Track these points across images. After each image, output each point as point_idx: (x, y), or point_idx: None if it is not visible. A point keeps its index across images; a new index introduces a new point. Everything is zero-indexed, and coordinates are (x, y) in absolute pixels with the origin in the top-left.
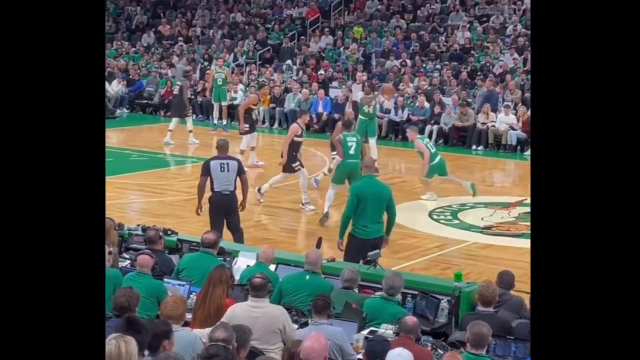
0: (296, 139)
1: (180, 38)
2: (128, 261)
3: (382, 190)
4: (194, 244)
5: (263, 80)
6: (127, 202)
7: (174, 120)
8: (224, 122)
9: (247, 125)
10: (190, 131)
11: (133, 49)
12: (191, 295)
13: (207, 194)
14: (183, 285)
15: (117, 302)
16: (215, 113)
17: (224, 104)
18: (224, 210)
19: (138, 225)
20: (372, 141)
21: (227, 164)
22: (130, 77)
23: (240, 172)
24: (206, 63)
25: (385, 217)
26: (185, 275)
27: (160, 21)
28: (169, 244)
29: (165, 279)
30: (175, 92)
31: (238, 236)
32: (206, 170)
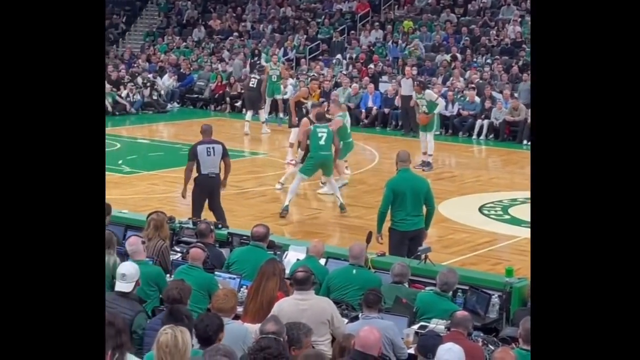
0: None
1: (235, 33)
2: (179, 254)
3: (419, 184)
4: (244, 237)
5: (313, 74)
6: (178, 195)
7: (249, 112)
8: (281, 115)
9: (297, 119)
10: (264, 122)
11: (184, 43)
12: (242, 289)
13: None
14: (234, 279)
15: (168, 294)
16: (267, 108)
17: (278, 97)
18: (209, 192)
19: (189, 218)
20: (427, 136)
21: (213, 147)
22: (181, 71)
23: (224, 155)
24: (255, 58)
25: (424, 210)
26: (235, 268)
27: (211, 16)
28: (219, 237)
29: (216, 272)
30: (252, 85)
31: (219, 214)
32: (194, 155)
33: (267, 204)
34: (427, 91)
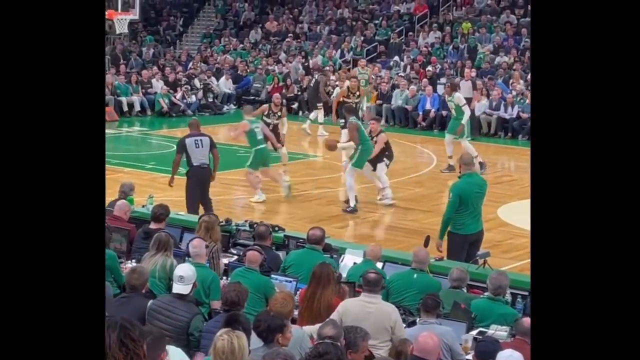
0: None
1: (290, 34)
2: (235, 257)
3: (483, 187)
4: (300, 240)
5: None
6: (234, 197)
7: (314, 111)
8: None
9: (342, 120)
10: (321, 124)
11: (241, 45)
12: (298, 292)
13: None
14: (290, 282)
15: (226, 297)
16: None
17: (368, 104)
18: (202, 183)
19: (245, 221)
20: (462, 142)
21: (201, 140)
22: (238, 73)
23: (212, 146)
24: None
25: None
26: (292, 271)
27: (268, 17)
28: (276, 240)
29: (272, 275)
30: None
31: (207, 205)
32: (182, 148)
33: (324, 207)
34: (457, 94)
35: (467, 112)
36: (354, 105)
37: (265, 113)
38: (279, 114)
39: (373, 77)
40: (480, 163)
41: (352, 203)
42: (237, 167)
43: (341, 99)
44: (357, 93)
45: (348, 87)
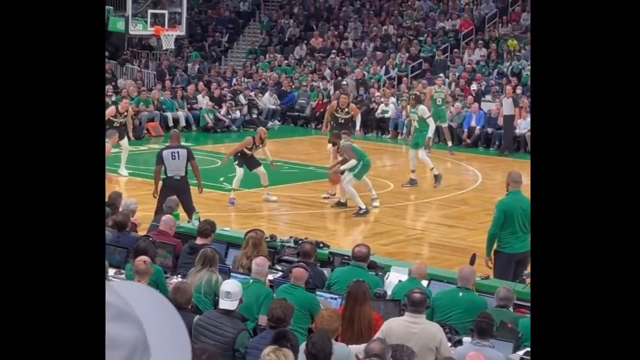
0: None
1: (333, 51)
2: (280, 273)
3: (528, 206)
4: (345, 257)
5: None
6: (279, 214)
7: None
8: (449, 144)
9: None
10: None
11: (285, 61)
12: None
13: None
14: (335, 299)
15: (273, 313)
16: (429, 133)
17: (444, 125)
18: (176, 193)
19: (290, 237)
20: (418, 153)
21: (178, 152)
22: (282, 89)
23: (190, 158)
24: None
25: None
26: (336, 288)
27: (313, 34)
28: (320, 256)
29: (317, 292)
30: None
31: (188, 209)
32: (159, 159)
33: (369, 224)
34: (421, 107)
35: (431, 125)
36: (342, 121)
37: (249, 146)
38: (260, 146)
39: (450, 96)
40: (435, 176)
41: (362, 206)
42: (281, 184)
43: (331, 114)
44: (346, 109)
45: (337, 102)
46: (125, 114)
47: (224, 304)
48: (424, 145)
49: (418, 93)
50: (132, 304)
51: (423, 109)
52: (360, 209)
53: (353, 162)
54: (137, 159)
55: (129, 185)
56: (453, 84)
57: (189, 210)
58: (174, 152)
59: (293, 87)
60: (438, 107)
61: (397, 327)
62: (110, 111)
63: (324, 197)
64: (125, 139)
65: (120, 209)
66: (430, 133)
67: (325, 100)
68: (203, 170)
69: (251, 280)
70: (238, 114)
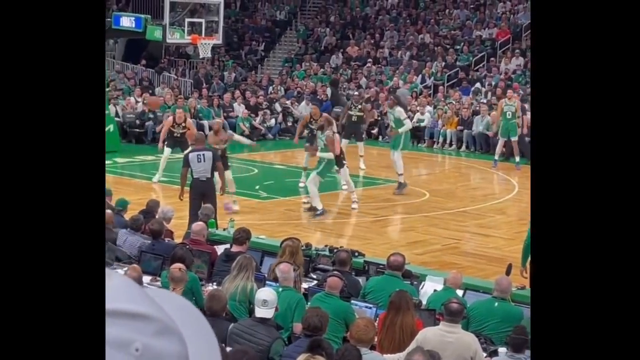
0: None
1: (369, 59)
2: (315, 281)
3: None
4: (380, 266)
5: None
6: (314, 222)
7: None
8: (517, 158)
9: (307, 143)
10: (361, 156)
11: (321, 70)
12: (377, 318)
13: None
14: (370, 308)
15: (309, 321)
16: (499, 149)
17: (513, 139)
18: (201, 194)
19: (325, 246)
20: (394, 154)
21: (203, 154)
22: (318, 98)
23: (215, 160)
24: (391, 82)
25: None
26: (371, 297)
27: (349, 42)
28: (355, 265)
29: (352, 301)
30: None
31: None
32: (186, 162)
33: (404, 233)
34: (398, 108)
35: (408, 124)
36: (313, 133)
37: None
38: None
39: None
40: (399, 183)
41: (319, 206)
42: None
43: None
44: (319, 120)
45: (310, 114)
46: (183, 124)
47: (261, 312)
48: (403, 146)
49: (397, 96)
50: (172, 315)
51: (400, 111)
52: (317, 209)
53: (331, 155)
54: (173, 167)
55: (165, 192)
56: (489, 93)
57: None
58: (200, 155)
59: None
60: (508, 120)
61: (433, 336)
62: (168, 122)
63: (304, 202)
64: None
65: (157, 217)
66: (403, 131)
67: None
68: (239, 178)
69: (280, 289)
70: (273, 122)
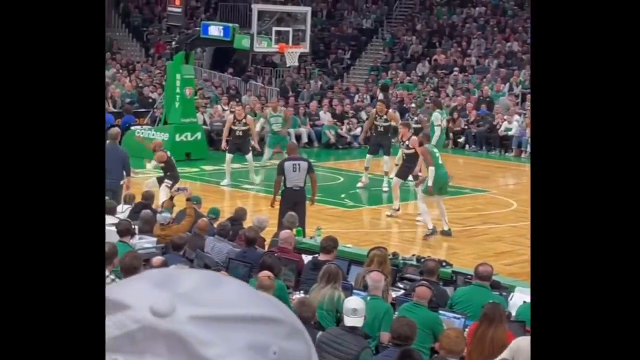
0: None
1: (456, 68)
2: (402, 291)
3: None
4: (468, 276)
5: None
6: (399, 231)
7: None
8: None
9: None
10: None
11: (407, 78)
12: (466, 329)
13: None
14: (458, 319)
15: (399, 331)
16: (433, 140)
17: None
18: (293, 203)
19: (413, 255)
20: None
21: (299, 164)
22: (404, 106)
23: (310, 171)
24: (478, 91)
25: None
26: (459, 308)
27: (436, 50)
28: (443, 275)
29: (440, 311)
30: None
31: (301, 223)
32: (280, 170)
33: (491, 243)
34: (435, 113)
35: (437, 133)
36: (382, 129)
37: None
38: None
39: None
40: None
41: (430, 225)
42: (403, 201)
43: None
44: (386, 116)
45: (376, 110)
46: (244, 120)
47: (350, 321)
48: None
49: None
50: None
51: (436, 116)
52: (428, 229)
53: (432, 170)
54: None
55: (254, 200)
56: None
57: (301, 222)
58: (295, 164)
59: (416, 104)
60: None
61: (526, 347)
62: (229, 120)
63: (388, 215)
64: (250, 154)
65: (252, 225)
66: (434, 140)
67: (448, 117)
68: (325, 186)
69: (368, 298)
70: (359, 130)
